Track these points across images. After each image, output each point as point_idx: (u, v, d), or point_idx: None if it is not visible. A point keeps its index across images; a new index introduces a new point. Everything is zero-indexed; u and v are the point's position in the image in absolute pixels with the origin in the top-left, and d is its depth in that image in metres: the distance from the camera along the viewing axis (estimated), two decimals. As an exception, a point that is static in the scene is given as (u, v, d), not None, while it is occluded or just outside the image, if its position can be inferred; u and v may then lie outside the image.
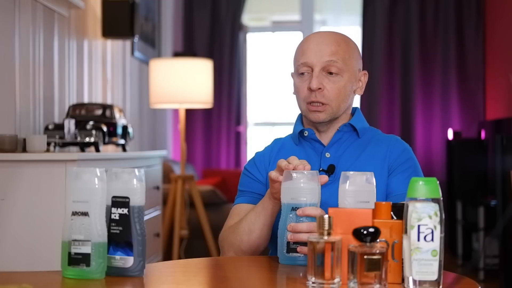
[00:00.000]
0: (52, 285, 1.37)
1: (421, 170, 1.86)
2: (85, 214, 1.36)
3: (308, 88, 1.80)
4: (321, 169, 1.81)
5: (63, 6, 3.34)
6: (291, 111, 6.23)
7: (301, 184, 1.53)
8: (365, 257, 1.26)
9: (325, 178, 1.60)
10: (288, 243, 1.54)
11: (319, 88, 1.78)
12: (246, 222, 1.73)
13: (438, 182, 1.31)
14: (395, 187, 1.78)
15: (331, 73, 1.79)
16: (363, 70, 1.90)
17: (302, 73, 1.82)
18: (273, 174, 1.62)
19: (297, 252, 1.53)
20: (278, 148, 1.91)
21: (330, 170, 1.80)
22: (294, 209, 1.53)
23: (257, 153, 1.94)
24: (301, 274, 1.43)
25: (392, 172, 1.80)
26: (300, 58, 1.82)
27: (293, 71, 1.89)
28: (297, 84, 1.84)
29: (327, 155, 1.83)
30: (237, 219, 1.80)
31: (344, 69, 1.80)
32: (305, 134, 1.86)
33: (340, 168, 1.80)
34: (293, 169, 1.57)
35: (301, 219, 1.53)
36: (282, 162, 1.60)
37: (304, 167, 1.58)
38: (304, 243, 1.49)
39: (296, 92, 1.85)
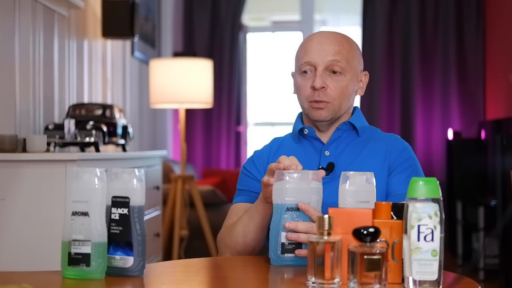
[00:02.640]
0: (52, 285, 1.37)
1: (422, 169, 1.87)
2: (85, 214, 1.36)
3: (312, 87, 1.80)
4: (320, 167, 1.81)
5: (63, 6, 3.34)
6: (291, 111, 6.23)
7: (293, 184, 1.53)
8: (365, 257, 1.26)
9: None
10: (283, 244, 1.53)
11: (322, 87, 1.79)
12: (240, 225, 1.73)
13: (438, 182, 1.31)
14: (395, 186, 1.78)
15: (334, 73, 1.80)
16: (363, 70, 1.90)
17: (305, 72, 1.82)
18: (265, 178, 1.62)
19: (291, 253, 1.52)
20: (277, 147, 1.91)
21: (329, 168, 1.80)
22: (289, 209, 1.53)
23: (255, 152, 1.95)
24: (290, 275, 1.43)
25: (392, 172, 1.81)
26: (303, 57, 1.82)
27: (293, 71, 1.89)
28: (299, 83, 1.84)
29: (327, 153, 1.83)
30: (235, 218, 1.80)
31: (347, 68, 1.81)
32: (305, 132, 1.87)
33: (340, 166, 1.80)
34: (284, 169, 1.57)
35: (296, 219, 1.53)
36: (272, 164, 1.60)
37: (296, 167, 1.58)
38: (298, 245, 1.50)
39: (298, 90, 1.85)
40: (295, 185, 1.52)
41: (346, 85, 1.82)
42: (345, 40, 1.83)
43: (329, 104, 1.81)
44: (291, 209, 1.53)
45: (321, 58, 1.79)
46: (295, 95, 1.89)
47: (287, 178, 1.53)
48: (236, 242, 1.73)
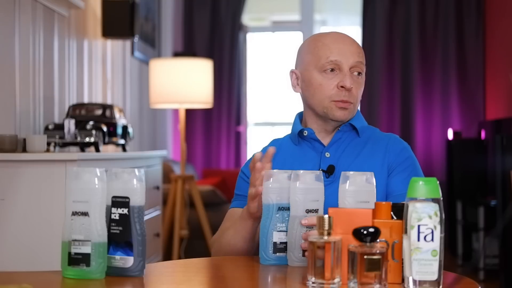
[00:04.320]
0: (52, 285, 1.37)
1: (421, 168, 1.87)
2: (85, 214, 1.36)
3: (340, 86, 1.78)
4: (320, 169, 1.81)
5: (63, 6, 3.34)
6: (291, 111, 6.23)
7: (284, 184, 1.53)
8: (365, 257, 1.26)
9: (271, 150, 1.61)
10: (274, 243, 1.53)
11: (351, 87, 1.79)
12: (228, 236, 1.73)
13: (438, 182, 1.31)
14: (395, 187, 1.78)
15: (358, 74, 1.80)
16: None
17: (331, 70, 1.79)
18: (252, 190, 1.59)
19: (283, 252, 1.53)
20: (276, 150, 1.90)
21: (329, 171, 1.80)
22: (281, 209, 1.53)
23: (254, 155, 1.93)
24: (290, 275, 1.43)
25: (392, 172, 1.80)
26: (328, 55, 1.79)
27: (294, 68, 1.87)
28: (320, 81, 1.80)
29: (327, 155, 1.83)
30: (231, 223, 1.81)
31: (364, 71, 1.83)
32: (305, 134, 1.86)
33: (340, 168, 1.80)
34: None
35: (287, 218, 1.53)
36: (252, 190, 1.59)
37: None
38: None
39: (318, 89, 1.80)
40: (286, 184, 1.53)
41: (363, 87, 1.84)
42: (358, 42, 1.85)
43: (352, 105, 1.81)
44: (282, 208, 1.53)
45: (347, 58, 1.79)
46: (297, 93, 1.88)
47: (278, 177, 1.53)
48: (226, 251, 1.74)
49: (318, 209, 1.53)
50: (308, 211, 1.53)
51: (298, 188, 1.52)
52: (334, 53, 1.79)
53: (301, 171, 1.54)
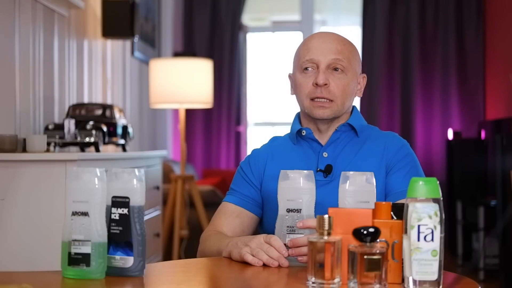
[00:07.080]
0: (52, 285, 1.37)
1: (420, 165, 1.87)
2: (85, 214, 1.36)
3: (314, 84, 1.79)
4: (318, 169, 1.81)
5: (63, 6, 3.34)
6: (291, 111, 6.23)
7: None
8: (365, 257, 1.26)
9: None
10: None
11: (325, 84, 1.79)
12: (210, 246, 1.73)
13: (438, 182, 1.31)
14: (395, 184, 1.78)
15: (336, 70, 1.80)
16: (363, 71, 1.91)
17: (306, 69, 1.81)
18: (264, 257, 1.52)
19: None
20: (275, 148, 1.90)
21: (327, 171, 1.80)
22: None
23: (253, 151, 1.94)
24: (290, 275, 1.43)
25: (391, 170, 1.80)
26: (305, 54, 1.81)
27: (291, 72, 1.89)
28: (299, 80, 1.83)
29: (325, 154, 1.83)
30: (222, 218, 1.85)
31: (349, 68, 1.82)
32: (303, 134, 1.86)
33: (338, 167, 1.80)
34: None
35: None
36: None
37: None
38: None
39: (299, 88, 1.83)
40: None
41: (348, 84, 1.82)
42: (346, 40, 1.85)
43: (333, 103, 1.80)
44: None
45: (324, 56, 1.79)
46: (294, 96, 1.89)
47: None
48: (207, 255, 1.75)
49: (300, 209, 1.54)
50: (288, 210, 1.55)
51: (280, 188, 1.56)
52: (311, 51, 1.81)
53: (289, 171, 1.56)
